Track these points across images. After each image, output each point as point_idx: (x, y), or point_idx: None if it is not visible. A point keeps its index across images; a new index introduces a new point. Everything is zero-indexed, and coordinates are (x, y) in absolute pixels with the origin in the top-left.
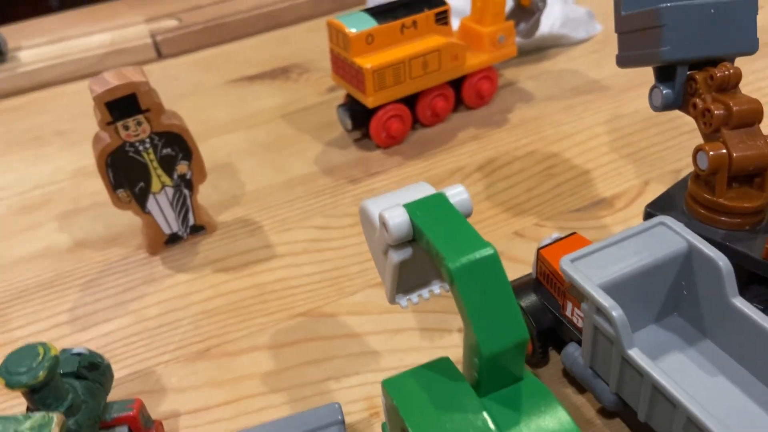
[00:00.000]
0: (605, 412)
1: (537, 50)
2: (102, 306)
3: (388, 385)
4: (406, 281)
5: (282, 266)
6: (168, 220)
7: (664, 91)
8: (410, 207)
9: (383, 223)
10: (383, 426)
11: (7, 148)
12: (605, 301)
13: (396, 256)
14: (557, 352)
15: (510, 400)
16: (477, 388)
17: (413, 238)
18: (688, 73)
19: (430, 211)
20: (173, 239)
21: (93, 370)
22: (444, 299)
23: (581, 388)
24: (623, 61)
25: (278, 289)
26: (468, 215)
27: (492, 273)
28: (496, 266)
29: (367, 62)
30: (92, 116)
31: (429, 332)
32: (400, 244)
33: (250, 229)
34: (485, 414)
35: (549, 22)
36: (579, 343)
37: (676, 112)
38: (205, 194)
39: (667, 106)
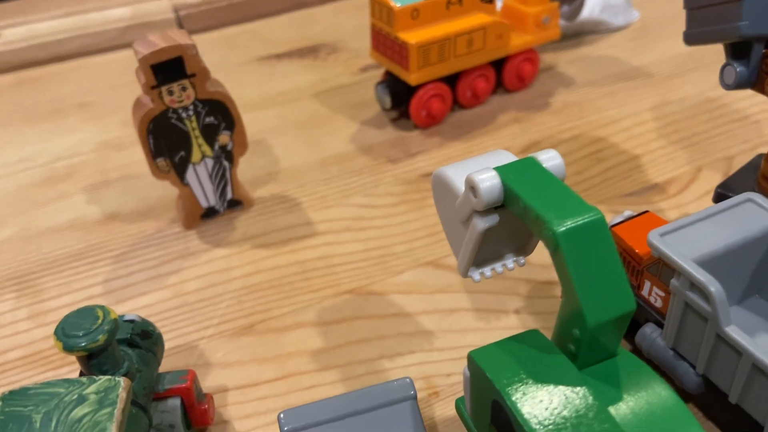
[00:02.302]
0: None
1: (575, 36)
2: (137, 279)
3: (476, 355)
4: (481, 254)
5: (323, 243)
6: (206, 193)
7: (738, 69)
8: (502, 170)
9: (472, 187)
10: (458, 402)
11: (27, 120)
12: (702, 276)
13: (482, 223)
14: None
15: (609, 374)
16: (573, 362)
17: (501, 204)
18: (765, 50)
19: (524, 175)
20: (210, 213)
21: (146, 338)
22: (499, 279)
23: None
24: (692, 38)
25: (321, 267)
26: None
27: (599, 239)
28: (604, 231)
29: (412, 38)
30: (116, 89)
31: (485, 313)
32: (486, 211)
33: (288, 206)
34: (586, 387)
35: (589, 6)
36: (656, 323)
37: (726, 100)
38: (240, 170)
39: (740, 85)
